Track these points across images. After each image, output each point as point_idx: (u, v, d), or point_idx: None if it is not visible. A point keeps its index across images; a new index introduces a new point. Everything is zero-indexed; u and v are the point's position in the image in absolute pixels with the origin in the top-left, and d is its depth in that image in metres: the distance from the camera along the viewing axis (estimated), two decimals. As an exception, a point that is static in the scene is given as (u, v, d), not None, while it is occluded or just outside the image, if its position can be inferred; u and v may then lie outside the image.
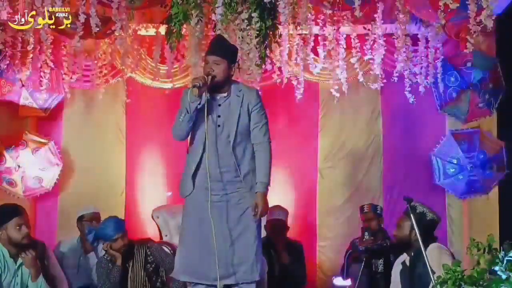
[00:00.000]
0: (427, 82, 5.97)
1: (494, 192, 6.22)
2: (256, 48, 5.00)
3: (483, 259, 2.72)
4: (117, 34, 5.52)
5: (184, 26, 5.06)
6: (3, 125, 6.24)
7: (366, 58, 6.03)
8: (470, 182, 6.15)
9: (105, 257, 4.83)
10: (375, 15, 5.57)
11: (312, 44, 5.92)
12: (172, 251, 5.11)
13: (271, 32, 5.13)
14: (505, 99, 6.11)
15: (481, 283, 2.64)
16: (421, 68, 5.98)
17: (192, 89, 3.89)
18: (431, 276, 3.68)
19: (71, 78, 6.14)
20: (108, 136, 6.57)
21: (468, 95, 6.09)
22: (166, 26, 5.20)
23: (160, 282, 4.84)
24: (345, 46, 5.97)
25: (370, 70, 6.07)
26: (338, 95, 6.09)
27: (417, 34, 5.93)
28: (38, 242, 4.53)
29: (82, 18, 5.05)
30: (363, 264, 5.22)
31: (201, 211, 4.01)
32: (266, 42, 5.14)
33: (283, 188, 6.38)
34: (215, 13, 4.84)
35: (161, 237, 5.77)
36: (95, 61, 6.20)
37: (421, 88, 5.95)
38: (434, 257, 3.89)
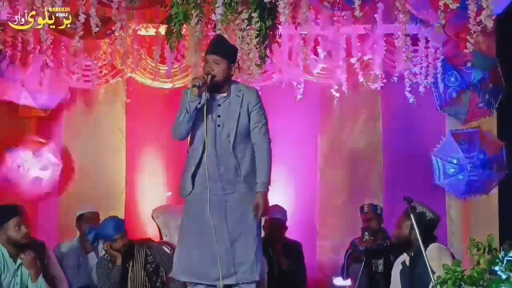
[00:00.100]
0: (427, 82, 5.97)
1: (494, 192, 6.21)
2: (256, 48, 5.00)
3: (483, 259, 2.72)
4: (117, 34, 5.53)
5: (184, 26, 5.05)
6: (3, 125, 6.25)
7: (366, 58, 6.03)
8: (470, 182, 6.14)
9: (105, 257, 4.83)
10: (375, 15, 5.57)
11: (312, 44, 5.92)
12: (172, 251, 5.09)
13: (271, 32, 5.13)
14: (505, 99, 6.11)
15: (481, 283, 2.64)
16: (421, 68, 5.98)
17: (192, 88, 3.89)
18: (431, 276, 3.69)
19: (71, 78, 6.14)
20: (108, 136, 6.57)
21: (468, 95, 6.08)
22: (166, 26, 5.20)
23: (160, 282, 4.83)
24: (345, 46, 5.97)
25: (370, 70, 6.07)
26: (338, 95, 6.09)
27: (417, 34, 5.93)
28: (38, 242, 4.53)
29: (82, 18, 5.05)
30: (363, 264, 5.22)
31: (201, 211, 4.00)
32: (266, 42, 5.14)
33: (283, 188, 6.37)
34: (215, 13, 4.83)
35: (161, 237, 5.77)
36: (95, 61, 6.20)
37: (421, 88, 5.95)
38: (434, 257, 3.89)
